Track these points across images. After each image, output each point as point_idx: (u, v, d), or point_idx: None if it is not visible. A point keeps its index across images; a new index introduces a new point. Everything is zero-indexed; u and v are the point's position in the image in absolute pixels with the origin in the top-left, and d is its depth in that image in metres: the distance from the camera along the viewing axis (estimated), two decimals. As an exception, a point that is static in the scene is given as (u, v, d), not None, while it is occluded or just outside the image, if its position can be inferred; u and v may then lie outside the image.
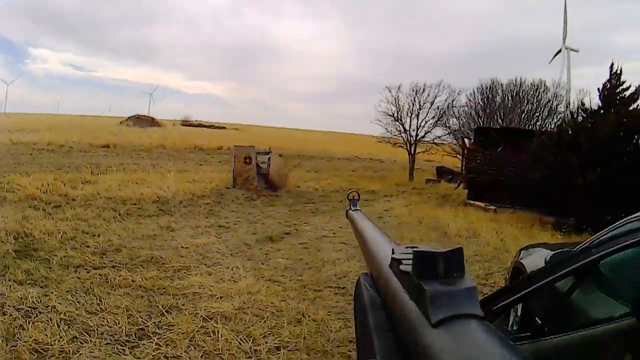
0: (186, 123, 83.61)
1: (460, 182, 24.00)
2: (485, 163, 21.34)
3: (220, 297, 8.11)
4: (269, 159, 20.59)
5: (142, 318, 7.04)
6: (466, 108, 32.67)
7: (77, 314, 6.98)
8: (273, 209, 16.89)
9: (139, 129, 53.91)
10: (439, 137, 31.40)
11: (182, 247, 10.94)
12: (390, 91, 31.17)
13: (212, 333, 6.71)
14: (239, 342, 6.53)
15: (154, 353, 6.07)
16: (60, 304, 7.24)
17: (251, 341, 6.60)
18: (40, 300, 7.31)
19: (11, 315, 6.77)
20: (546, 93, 32.70)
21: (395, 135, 30.98)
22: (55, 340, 6.15)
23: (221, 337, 6.58)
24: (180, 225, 12.99)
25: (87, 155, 26.45)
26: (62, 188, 15.78)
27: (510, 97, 33.06)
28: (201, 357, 6.12)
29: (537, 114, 32.25)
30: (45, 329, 6.38)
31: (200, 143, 38.44)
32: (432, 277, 0.60)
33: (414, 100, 30.70)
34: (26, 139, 29.95)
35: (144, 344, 6.30)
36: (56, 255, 9.44)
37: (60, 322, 6.67)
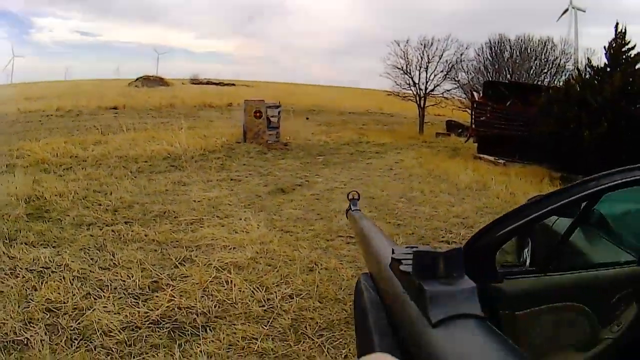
0: (195, 81, 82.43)
1: (470, 136, 23.79)
2: (494, 117, 21.15)
3: (233, 248, 8.04)
4: (279, 112, 20.57)
5: (155, 271, 7.00)
6: (475, 62, 32.11)
7: (90, 271, 6.95)
8: (284, 161, 16.75)
9: (147, 89, 53.27)
10: (448, 90, 31.09)
11: (195, 200, 10.86)
12: (398, 45, 30.79)
13: (225, 283, 6.66)
14: (252, 291, 6.47)
15: (167, 304, 6.01)
16: (73, 262, 7.20)
17: (264, 290, 6.54)
18: (53, 260, 7.26)
19: (23, 277, 6.73)
20: (554, 50, 32.06)
21: (405, 89, 30.77)
22: (68, 298, 6.12)
23: (234, 286, 6.52)
24: (192, 180, 12.91)
25: (96, 118, 26.23)
26: (72, 150, 15.74)
27: (518, 53, 32.43)
28: (215, 306, 6.07)
29: (545, 71, 31.58)
30: (58, 288, 6.34)
31: (210, 100, 37.95)
32: (432, 277, 0.60)
33: (423, 54, 30.40)
34: (34, 107, 29.72)
35: (157, 296, 6.25)
36: (68, 215, 9.39)
37: (73, 279, 6.65)
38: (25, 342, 5.23)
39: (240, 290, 6.45)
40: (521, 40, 32.42)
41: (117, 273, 6.88)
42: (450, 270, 0.60)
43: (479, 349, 0.49)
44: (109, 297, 6.20)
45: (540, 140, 17.34)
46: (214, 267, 7.15)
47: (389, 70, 31.08)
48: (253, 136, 19.63)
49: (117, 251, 7.68)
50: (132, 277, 6.74)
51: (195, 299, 6.16)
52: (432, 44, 30.33)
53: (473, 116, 22.96)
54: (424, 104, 29.80)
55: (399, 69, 30.57)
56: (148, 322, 5.67)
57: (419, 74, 30.13)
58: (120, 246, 7.95)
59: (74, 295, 6.20)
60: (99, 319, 5.63)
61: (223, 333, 5.45)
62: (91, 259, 7.41)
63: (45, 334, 5.37)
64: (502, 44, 32.49)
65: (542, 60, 31.77)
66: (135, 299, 6.21)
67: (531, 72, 31.43)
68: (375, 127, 29.97)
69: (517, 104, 20.40)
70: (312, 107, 38.28)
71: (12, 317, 5.65)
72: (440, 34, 31.76)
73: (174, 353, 5.07)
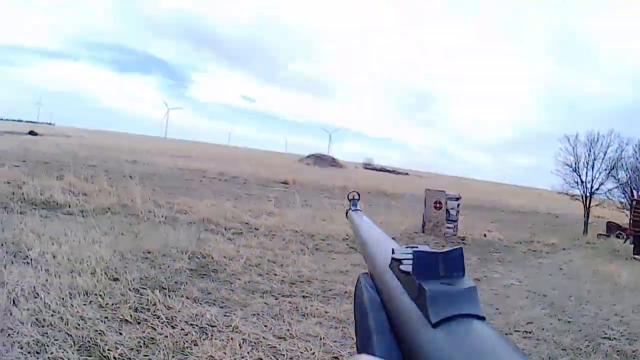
0: (368, 166, 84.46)
1: (628, 237, 24.88)
2: None
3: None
4: (458, 205, 21.35)
5: (336, 347, 7.26)
6: (632, 160, 31.86)
7: (263, 337, 7.29)
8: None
9: (319, 168, 55.23)
10: (610, 190, 31.55)
11: None
12: (569, 140, 31.89)
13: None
14: None
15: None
16: (244, 325, 7.59)
17: None
18: (219, 320, 7.69)
19: (182, 329, 7.15)
20: None
21: (574, 187, 31.77)
22: (235, 359, 6.47)
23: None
24: (370, 264, 13.09)
25: (265, 189, 27.74)
26: (242, 216, 16.75)
27: None
28: None
29: None
30: (224, 347, 6.71)
31: (384, 188, 39.44)
32: (432, 277, 0.66)
33: (590, 150, 31.31)
34: (193, 165, 31.51)
35: None
36: (239, 279, 9.95)
37: (242, 342, 7.00)
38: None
39: None
40: None
41: (294, 344, 7.18)
42: (451, 270, 0.67)
43: (479, 349, 0.53)
44: None
45: None
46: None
47: (559, 167, 32.35)
48: (432, 227, 20.59)
49: (294, 323, 8.01)
50: (311, 350, 7.04)
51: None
52: (597, 140, 31.27)
53: (631, 216, 23.93)
54: (590, 204, 30.84)
55: (568, 165, 31.76)
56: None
57: (586, 172, 31.30)
58: (297, 318, 8.29)
59: (242, 357, 6.54)
60: None
61: None
62: (265, 325, 7.77)
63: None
64: None
65: None
66: None
67: None
68: (542, 226, 31.06)
69: None
70: (480, 203, 40.07)
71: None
72: (603, 128, 31.91)
73: None
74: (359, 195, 2.06)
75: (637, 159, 31.80)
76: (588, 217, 30.62)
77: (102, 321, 7.02)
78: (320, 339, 7.48)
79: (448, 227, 20.64)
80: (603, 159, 30.90)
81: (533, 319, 10.17)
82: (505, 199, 47.54)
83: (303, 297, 9.53)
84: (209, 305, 8.27)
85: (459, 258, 0.68)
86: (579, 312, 11.13)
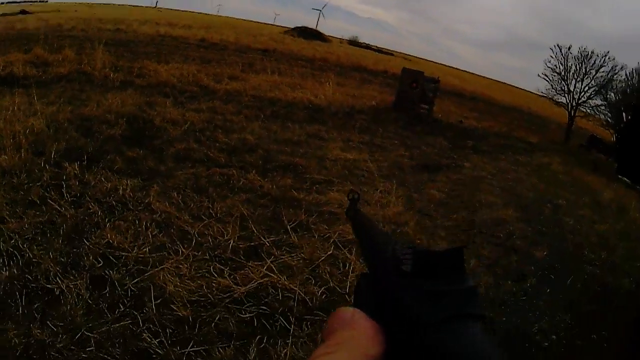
0: (354, 43, 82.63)
1: (612, 155, 24.32)
2: (638, 142, 21.00)
3: (361, 224, 6.72)
4: (436, 88, 19.93)
5: (258, 233, 5.73)
6: (624, 85, 30.93)
7: (176, 217, 5.84)
8: (433, 138, 15.60)
9: (303, 40, 53.29)
10: (598, 106, 31.03)
11: (329, 158, 9.66)
12: (560, 50, 31.11)
13: (341, 264, 5.37)
14: None
15: (260, 281, 4.71)
16: (159, 202, 6.14)
17: None
18: (134, 196, 6.23)
19: (89, 209, 5.74)
20: None
21: (560, 94, 31.15)
22: (134, 246, 5.04)
23: (351, 272, 5.18)
24: (330, 136, 11.71)
25: (242, 56, 25.58)
26: (203, 80, 14.94)
27: None
28: (321, 294, 4.77)
29: None
30: (127, 231, 5.29)
31: (366, 63, 37.15)
32: (432, 277, 0.61)
33: (582, 64, 30.57)
34: (177, 33, 29.62)
35: (250, 267, 4.96)
36: (174, 147, 8.40)
37: (150, 224, 5.56)
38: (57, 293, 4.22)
39: (357, 276, 5.08)
40: None
41: (209, 227, 5.70)
42: (450, 270, 0.60)
43: (479, 349, 0.51)
44: (187, 256, 5.01)
45: None
46: (332, 241, 5.83)
47: (547, 73, 31.65)
48: (405, 106, 18.82)
49: (219, 200, 6.54)
50: (227, 235, 5.54)
51: (298, 279, 4.86)
52: (591, 56, 30.74)
53: (618, 137, 23.70)
54: (575, 113, 30.53)
55: (557, 73, 31.27)
56: (227, 301, 4.38)
57: (575, 83, 30.77)
58: (224, 194, 6.81)
59: (143, 244, 5.10)
60: (162, 285, 4.50)
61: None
62: (183, 202, 6.31)
63: (87, 289, 4.30)
64: None
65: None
66: (221, 265, 4.98)
67: None
68: (522, 124, 30.02)
69: None
70: (463, 92, 37.98)
71: (56, 255, 4.68)
72: (598, 50, 31.02)
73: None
74: (359, 195, 1.29)
75: (629, 85, 30.93)
76: (571, 125, 30.33)
77: (9, 205, 5.75)
78: (243, 220, 5.90)
79: (422, 108, 19.21)
80: (594, 77, 30.40)
81: (503, 221, 8.82)
82: (488, 92, 45.94)
83: (240, 167, 8.00)
84: (129, 178, 6.76)
85: (459, 258, 0.61)
86: (555, 222, 9.72)
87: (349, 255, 5.51)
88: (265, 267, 4.91)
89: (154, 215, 5.72)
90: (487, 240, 7.59)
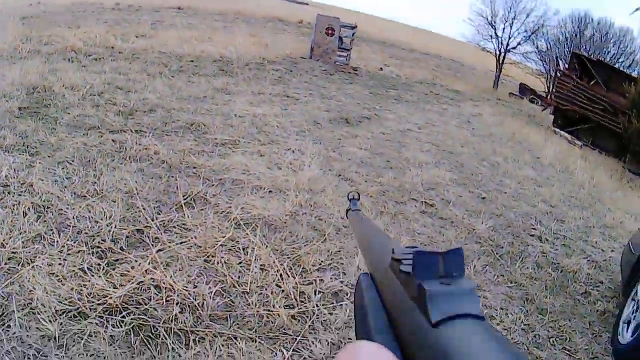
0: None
1: (548, 106, 22.92)
2: (576, 93, 19.36)
3: (269, 192, 5.68)
4: (353, 34, 18.46)
5: (145, 212, 4.63)
6: (556, 32, 30.40)
7: (58, 198, 4.69)
8: (352, 87, 14.59)
9: (221, -4, 51.42)
10: (528, 52, 29.89)
11: (236, 115, 8.54)
12: None
13: (241, 251, 4.31)
14: (280, 275, 4.06)
15: (138, 280, 3.64)
16: (42, 180, 4.95)
17: (300, 272, 4.19)
18: (17, 175, 5.02)
19: None
20: (632, 42, 30.41)
21: (487, 39, 29.59)
22: (10, 239, 3.91)
23: (254, 260, 4.14)
24: (239, 89, 10.57)
25: (155, 14, 23.87)
26: (110, 40, 13.45)
27: (599, 36, 30.83)
28: (213, 293, 3.70)
29: (620, 60, 29.85)
30: (4, 221, 4.14)
31: (280, 14, 35.12)
32: (432, 277, 0.55)
33: (510, 8, 28.93)
34: (94, 0, 27.71)
35: (128, 260, 3.89)
36: (68, 114, 7.15)
37: (28, 210, 4.40)
38: None
39: (262, 270, 4.06)
40: (603, 22, 31.16)
41: (90, 208, 4.56)
42: (450, 270, 0.55)
43: (479, 349, 0.44)
44: (62, 248, 3.91)
45: (623, 134, 16.01)
46: (232, 219, 4.77)
47: (472, 17, 31.02)
48: (321, 54, 17.64)
49: (107, 172, 5.38)
50: (110, 217, 4.42)
51: (186, 277, 3.79)
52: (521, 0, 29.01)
53: (555, 87, 21.99)
54: (503, 60, 28.79)
55: (483, 17, 29.55)
56: (101, 309, 3.34)
57: (503, 28, 29.01)
58: (114, 164, 5.64)
59: (18, 235, 4.00)
60: (31, 288, 3.42)
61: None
62: (68, 178, 5.14)
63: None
64: (586, 21, 31.07)
65: (620, 49, 30.62)
66: (98, 258, 3.89)
67: (609, 58, 29.62)
68: (447, 71, 28.50)
69: (600, 86, 18.68)
70: (384, 40, 36.13)
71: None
72: None
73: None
74: (358, 195, 1.48)
75: (562, 31, 30.32)
76: (500, 72, 28.80)
77: None
78: (129, 197, 4.82)
79: (340, 56, 18.01)
80: (524, 22, 28.89)
81: (436, 184, 7.61)
82: (409, 39, 44.21)
83: (136, 131, 6.83)
84: (17, 153, 5.55)
85: (459, 258, 0.56)
86: (496, 185, 8.55)
87: (252, 238, 4.43)
88: (148, 260, 3.83)
89: (34, 198, 4.59)
90: (421, 209, 6.49)
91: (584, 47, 29.57)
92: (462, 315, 0.48)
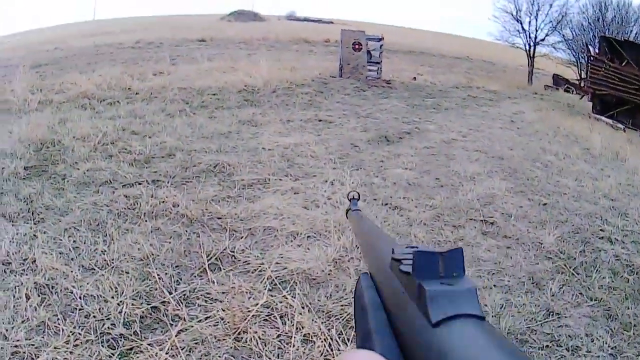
0: (292, 18, 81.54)
1: (583, 94, 22.52)
2: (610, 76, 19.09)
3: (307, 238, 4.97)
4: (381, 46, 17.84)
5: (162, 282, 3.98)
6: (579, 18, 30.08)
7: (63, 274, 4.10)
8: (387, 102, 13.82)
9: (240, 24, 51.69)
10: (558, 42, 29.59)
11: (264, 148, 7.95)
12: None
13: (279, 321, 3.62)
14: (327, 345, 3.39)
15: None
16: (45, 254, 4.36)
17: (353, 337, 3.47)
18: (20, 250, 4.46)
19: None
20: None
21: (514, 35, 29.48)
22: (13, 329, 3.40)
23: (295, 330, 3.43)
24: (266, 119, 9.98)
25: (177, 50, 23.35)
26: (127, 82, 13.02)
27: (620, 18, 30.07)
28: None
29: None
30: (6, 307, 3.64)
31: (306, 36, 34.57)
32: (432, 277, 0.56)
33: (533, 0, 28.79)
34: (113, 40, 27.49)
35: (139, 349, 3.26)
36: (78, 169, 6.59)
37: (32, 290, 3.85)
38: None
39: (306, 342, 3.41)
40: (621, 4, 30.41)
41: (99, 284, 3.93)
42: (451, 270, 0.56)
43: (479, 349, 0.45)
44: (68, 338, 3.34)
45: None
46: (266, 278, 4.09)
47: (497, 14, 30.21)
48: (350, 70, 16.90)
49: (118, 236, 4.76)
50: (120, 294, 3.80)
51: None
52: None
53: (588, 73, 21.19)
54: (534, 53, 28.66)
55: (508, 13, 29.26)
56: None
57: (529, 22, 28.93)
58: (126, 226, 5.03)
59: (21, 324, 3.48)
60: None
61: None
62: (75, 248, 4.54)
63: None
64: (606, 4, 30.33)
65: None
66: (108, 349, 3.27)
67: (632, 37, 28.81)
68: (480, 72, 27.94)
69: (632, 66, 18.27)
70: (412, 49, 35.55)
71: None
72: None
73: None
74: (359, 195, 1.50)
75: (585, 17, 29.94)
76: (532, 67, 28.54)
77: None
78: (144, 265, 4.17)
79: (370, 70, 17.30)
80: (548, 12, 28.77)
81: (492, 197, 6.98)
82: (435, 45, 43.67)
83: (152, 181, 6.25)
84: (21, 222, 5.01)
85: (459, 258, 0.57)
86: (554, 187, 7.87)
87: (291, 301, 3.76)
88: (167, 347, 3.17)
89: (37, 277, 4.02)
90: (481, 231, 5.80)
91: (608, 30, 28.95)
92: (462, 315, 0.48)
